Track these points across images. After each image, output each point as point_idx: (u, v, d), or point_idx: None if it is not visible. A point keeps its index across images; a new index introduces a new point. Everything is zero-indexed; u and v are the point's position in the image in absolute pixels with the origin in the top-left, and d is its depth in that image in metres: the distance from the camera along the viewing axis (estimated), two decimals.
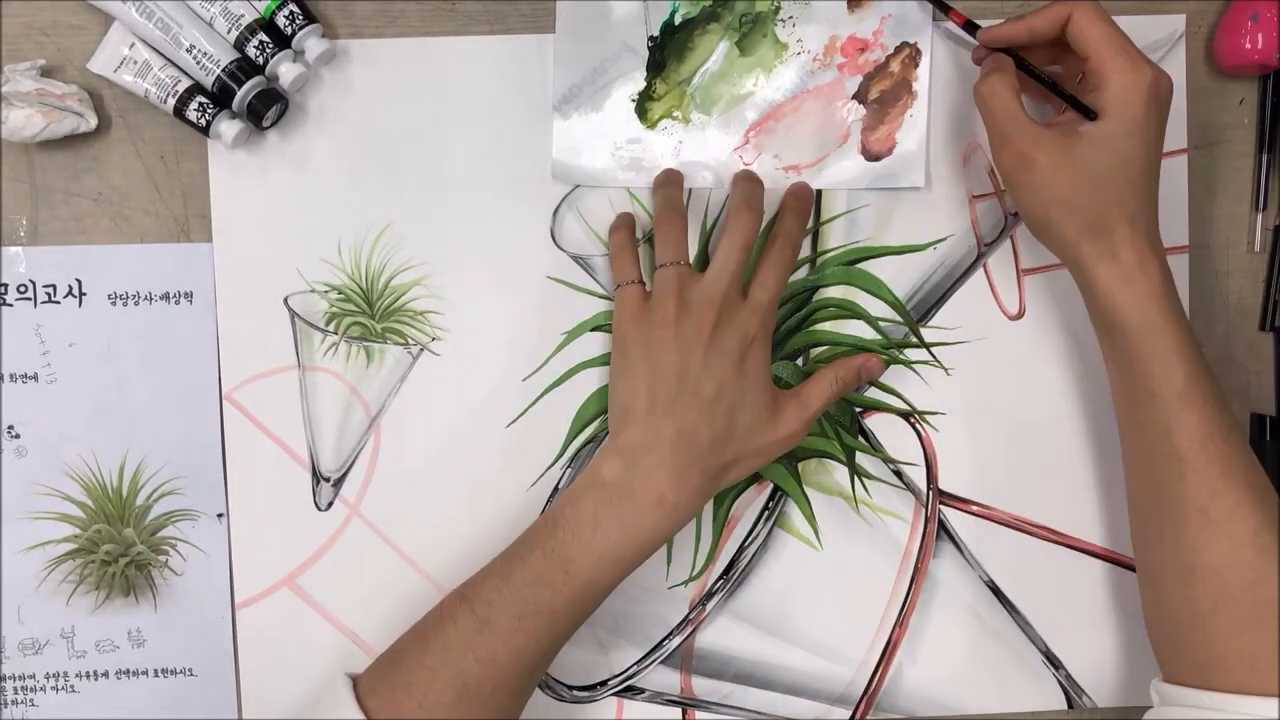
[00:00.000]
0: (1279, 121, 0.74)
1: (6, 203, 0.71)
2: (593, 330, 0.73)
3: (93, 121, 0.69)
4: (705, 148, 0.72)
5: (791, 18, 0.71)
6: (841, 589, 0.74)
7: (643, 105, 0.72)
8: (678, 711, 0.75)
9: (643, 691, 0.75)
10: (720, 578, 0.74)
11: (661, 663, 0.74)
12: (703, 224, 0.73)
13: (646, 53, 0.71)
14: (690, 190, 0.72)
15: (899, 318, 0.74)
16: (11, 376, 0.71)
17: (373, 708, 0.61)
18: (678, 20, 0.71)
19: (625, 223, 0.71)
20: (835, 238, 0.73)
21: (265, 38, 0.68)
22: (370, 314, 0.73)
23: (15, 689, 0.72)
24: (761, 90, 0.71)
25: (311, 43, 0.69)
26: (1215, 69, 0.73)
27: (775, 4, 0.71)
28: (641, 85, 0.72)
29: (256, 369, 0.72)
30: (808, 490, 0.74)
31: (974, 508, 0.75)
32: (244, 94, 0.68)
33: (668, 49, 0.71)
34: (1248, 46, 0.71)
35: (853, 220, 0.73)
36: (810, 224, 0.73)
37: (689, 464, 0.63)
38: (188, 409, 0.72)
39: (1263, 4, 0.70)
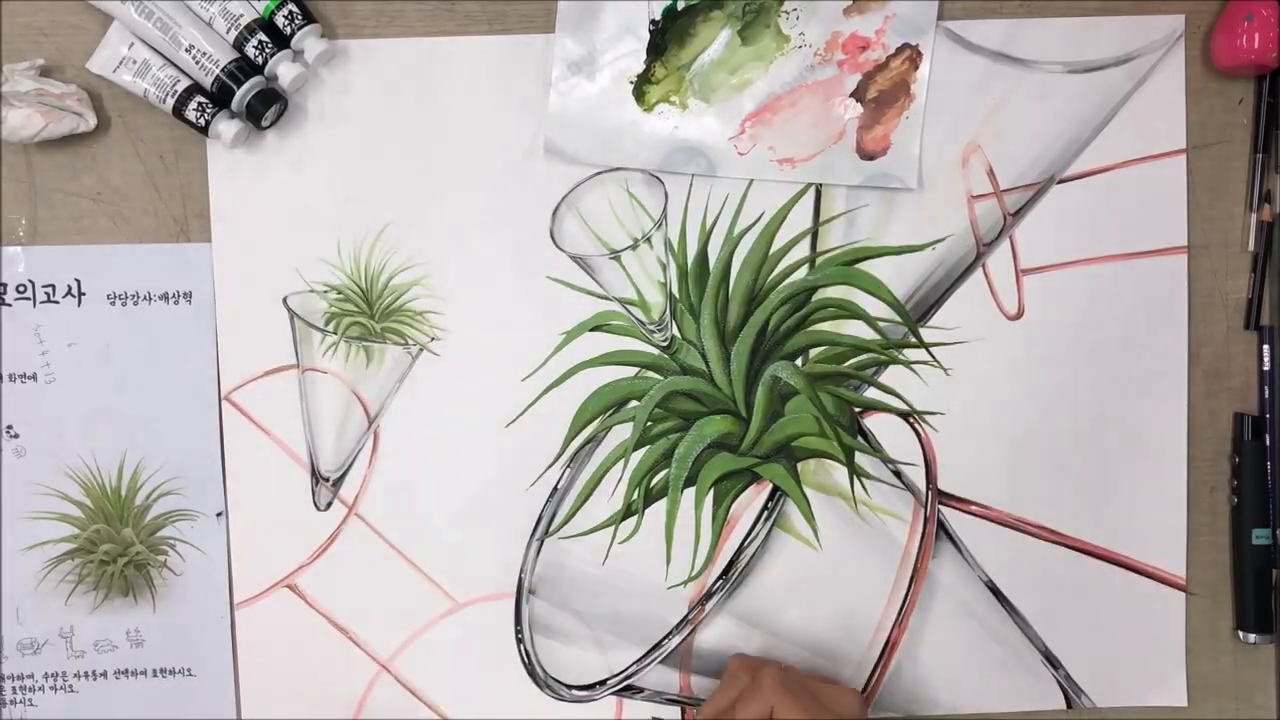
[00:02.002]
0: (1274, 121, 0.74)
1: (6, 202, 0.71)
2: (592, 330, 0.73)
3: (92, 121, 0.69)
4: (701, 134, 0.72)
5: (795, 10, 0.71)
6: (841, 589, 0.74)
7: (641, 88, 0.72)
8: (677, 710, 0.75)
9: (642, 691, 0.74)
10: (720, 578, 0.74)
11: (661, 662, 0.74)
12: (702, 220, 0.73)
13: (648, 35, 0.71)
14: (691, 178, 0.72)
15: (898, 318, 0.74)
16: (11, 376, 0.71)
17: None
18: (681, 5, 0.71)
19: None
20: (834, 238, 0.73)
21: (264, 37, 0.68)
22: (369, 314, 0.73)
23: (14, 689, 0.72)
24: (760, 81, 0.72)
25: (310, 43, 0.69)
26: (1215, 69, 0.73)
27: None
28: (641, 68, 0.72)
29: (255, 369, 0.72)
30: (807, 490, 0.74)
31: (973, 508, 0.75)
32: (243, 94, 0.68)
33: (669, 33, 0.71)
34: (1243, 46, 0.71)
35: (852, 220, 0.73)
36: (810, 223, 0.73)
37: None
38: (187, 409, 0.72)
39: (1258, 4, 0.70)
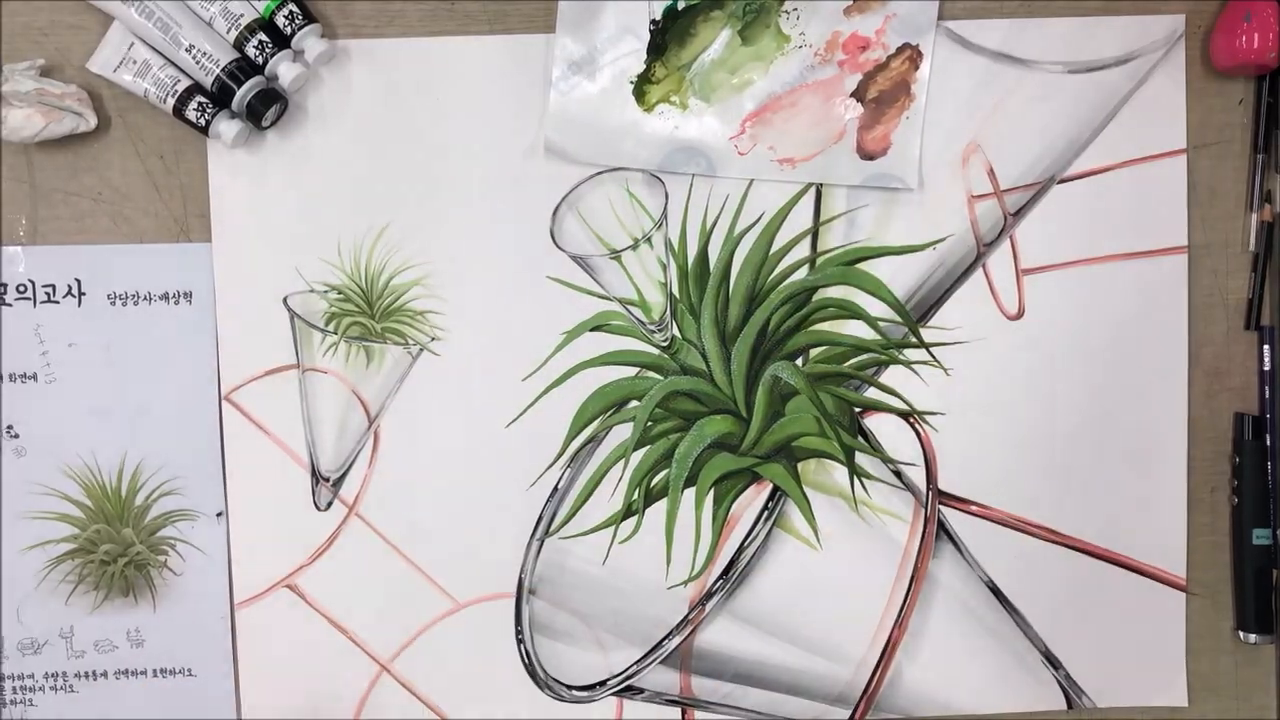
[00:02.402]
0: (1273, 121, 0.74)
1: (6, 202, 0.71)
2: (592, 330, 0.73)
3: (92, 121, 0.69)
4: (701, 134, 0.72)
5: (796, 10, 0.71)
6: (841, 589, 0.74)
7: (641, 88, 0.72)
8: (677, 711, 0.75)
9: (642, 691, 0.74)
10: (720, 578, 0.74)
11: (661, 663, 0.74)
12: (702, 220, 0.73)
13: (648, 35, 0.71)
14: (692, 178, 0.72)
15: (898, 318, 0.74)
16: (11, 376, 0.71)
17: None
18: (681, 5, 0.71)
19: None
20: (835, 237, 0.73)
21: (265, 37, 0.68)
22: (370, 314, 0.73)
23: (14, 689, 0.72)
24: (761, 81, 0.71)
25: (311, 42, 0.69)
26: (1215, 69, 0.74)
27: None
28: (641, 68, 0.72)
29: (256, 369, 0.72)
30: (807, 490, 0.74)
31: (973, 508, 0.75)
32: (243, 94, 0.68)
33: (669, 33, 0.71)
34: (1242, 46, 0.71)
35: (852, 220, 0.73)
36: (810, 223, 0.73)
37: None
38: (187, 409, 0.72)
39: (1256, 4, 0.70)
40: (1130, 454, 0.75)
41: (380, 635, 0.74)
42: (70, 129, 0.69)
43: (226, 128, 0.69)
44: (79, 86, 0.69)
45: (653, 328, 0.73)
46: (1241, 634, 0.75)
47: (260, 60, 0.69)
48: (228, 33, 0.68)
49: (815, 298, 0.74)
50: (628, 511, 0.74)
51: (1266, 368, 0.75)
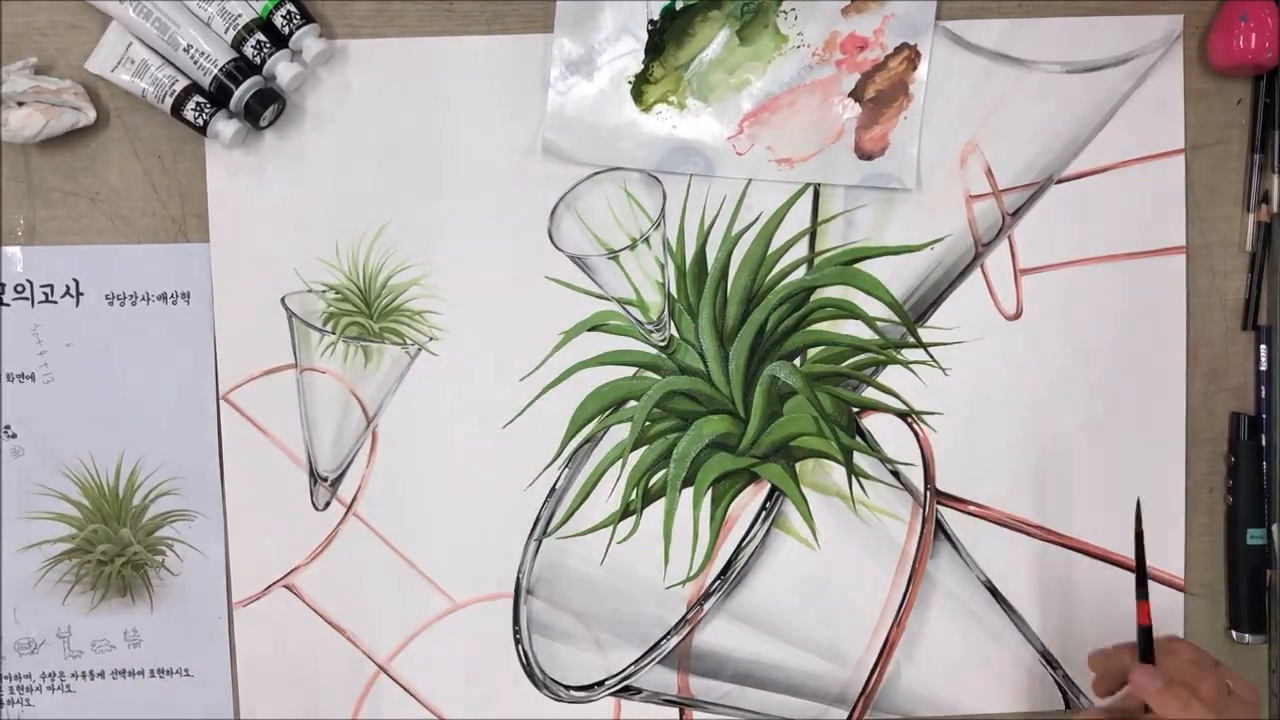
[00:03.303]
0: (1270, 122, 0.74)
1: (4, 202, 0.71)
2: (590, 330, 0.73)
3: (91, 115, 0.69)
4: (699, 134, 0.72)
5: (794, 10, 0.71)
6: (839, 589, 0.74)
7: (639, 88, 0.72)
8: (675, 711, 0.75)
9: (640, 691, 0.74)
10: (718, 578, 0.74)
11: (659, 663, 0.74)
12: (700, 220, 0.73)
13: (646, 35, 0.71)
14: (689, 178, 0.72)
15: (896, 318, 0.74)
16: (9, 376, 0.71)
17: None
18: (679, 5, 0.71)
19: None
20: (833, 237, 0.73)
21: (263, 37, 0.68)
22: (368, 314, 0.73)
23: (11, 689, 0.72)
24: (758, 81, 0.72)
25: (309, 42, 0.69)
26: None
27: None
28: (639, 68, 0.72)
29: (254, 369, 0.72)
30: (805, 490, 0.74)
31: (971, 508, 0.75)
32: (241, 93, 0.68)
33: (668, 33, 0.71)
34: (1239, 47, 0.71)
35: (850, 220, 0.73)
36: (808, 223, 0.73)
37: None
38: (185, 409, 0.72)
39: (1253, 4, 0.71)
40: (1128, 454, 0.75)
41: (378, 635, 0.73)
42: (71, 124, 0.68)
43: (224, 127, 0.69)
44: (74, 80, 0.69)
45: (651, 328, 0.73)
46: (1235, 633, 0.75)
47: (258, 60, 0.69)
48: (226, 32, 0.68)
49: (813, 298, 0.74)
50: (626, 511, 0.74)
51: (1263, 367, 0.75)
